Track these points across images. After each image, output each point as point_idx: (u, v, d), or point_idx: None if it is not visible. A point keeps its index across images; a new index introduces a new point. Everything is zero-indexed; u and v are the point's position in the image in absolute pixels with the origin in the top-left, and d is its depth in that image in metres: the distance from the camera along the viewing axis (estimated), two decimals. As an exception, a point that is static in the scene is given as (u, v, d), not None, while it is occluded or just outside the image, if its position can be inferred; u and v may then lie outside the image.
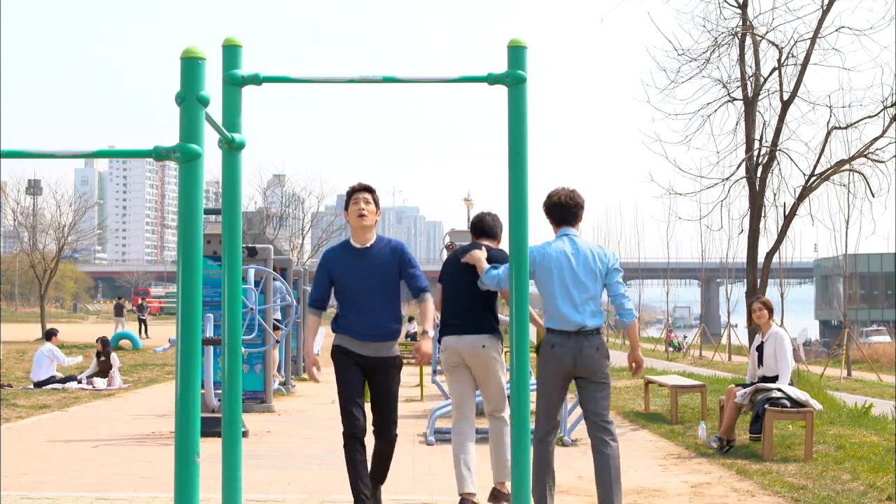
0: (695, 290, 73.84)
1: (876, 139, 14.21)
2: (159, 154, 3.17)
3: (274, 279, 12.88)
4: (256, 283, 11.95)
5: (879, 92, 14.81)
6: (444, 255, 9.33)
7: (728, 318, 32.33)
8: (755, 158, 14.50)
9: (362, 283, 5.82)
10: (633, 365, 5.95)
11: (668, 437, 10.09)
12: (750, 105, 14.60)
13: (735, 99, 14.90)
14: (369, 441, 5.81)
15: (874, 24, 14.29)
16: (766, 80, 14.73)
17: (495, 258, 6.31)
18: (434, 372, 12.87)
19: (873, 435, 9.77)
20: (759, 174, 14.45)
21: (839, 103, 15.13)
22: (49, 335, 17.37)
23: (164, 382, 17.06)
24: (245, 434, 9.54)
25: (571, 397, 8.34)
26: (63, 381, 16.05)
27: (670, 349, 36.22)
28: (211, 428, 8.65)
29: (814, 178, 14.57)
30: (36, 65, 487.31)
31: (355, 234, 5.93)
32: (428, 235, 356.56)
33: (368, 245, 5.89)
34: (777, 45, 14.54)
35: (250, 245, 13.02)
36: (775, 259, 15.95)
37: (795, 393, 8.81)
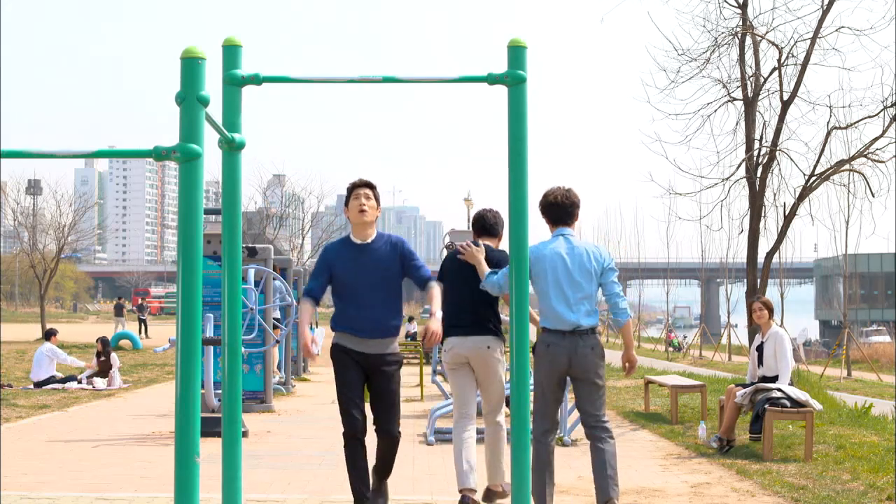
0: (695, 290, 73.86)
1: (876, 139, 14.22)
2: (159, 154, 3.18)
3: (274, 279, 12.88)
4: (256, 283, 11.94)
5: (879, 92, 14.82)
6: (444, 254, 9.32)
7: (728, 318, 32.31)
8: (755, 158, 14.50)
9: (362, 280, 5.76)
10: (627, 364, 5.95)
11: (668, 437, 10.09)
12: (750, 105, 14.60)
13: (735, 99, 14.90)
14: (369, 441, 5.79)
15: (874, 24, 14.31)
16: (766, 80, 14.73)
17: (495, 259, 6.29)
18: (434, 372, 12.87)
19: (873, 435, 9.76)
20: (759, 174, 14.45)
21: (839, 103, 15.15)
22: (49, 335, 17.36)
23: (164, 382, 17.05)
24: (245, 434, 9.53)
25: (571, 397, 8.33)
26: (63, 381, 16.04)
27: (670, 349, 36.17)
28: (211, 428, 8.64)
29: (814, 178, 14.57)
30: (36, 65, 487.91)
31: (356, 230, 5.87)
32: (428, 235, 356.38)
33: (369, 241, 5.83)
34: (777, 45, 14.54)
35: (250, 245, 13.02)
36: (775, 259, 15.95)
37: (795, 393, 8.81)
